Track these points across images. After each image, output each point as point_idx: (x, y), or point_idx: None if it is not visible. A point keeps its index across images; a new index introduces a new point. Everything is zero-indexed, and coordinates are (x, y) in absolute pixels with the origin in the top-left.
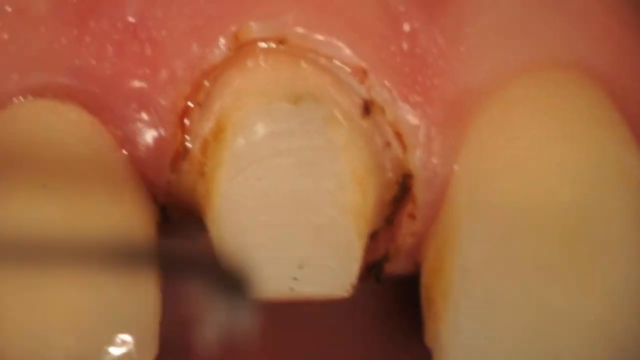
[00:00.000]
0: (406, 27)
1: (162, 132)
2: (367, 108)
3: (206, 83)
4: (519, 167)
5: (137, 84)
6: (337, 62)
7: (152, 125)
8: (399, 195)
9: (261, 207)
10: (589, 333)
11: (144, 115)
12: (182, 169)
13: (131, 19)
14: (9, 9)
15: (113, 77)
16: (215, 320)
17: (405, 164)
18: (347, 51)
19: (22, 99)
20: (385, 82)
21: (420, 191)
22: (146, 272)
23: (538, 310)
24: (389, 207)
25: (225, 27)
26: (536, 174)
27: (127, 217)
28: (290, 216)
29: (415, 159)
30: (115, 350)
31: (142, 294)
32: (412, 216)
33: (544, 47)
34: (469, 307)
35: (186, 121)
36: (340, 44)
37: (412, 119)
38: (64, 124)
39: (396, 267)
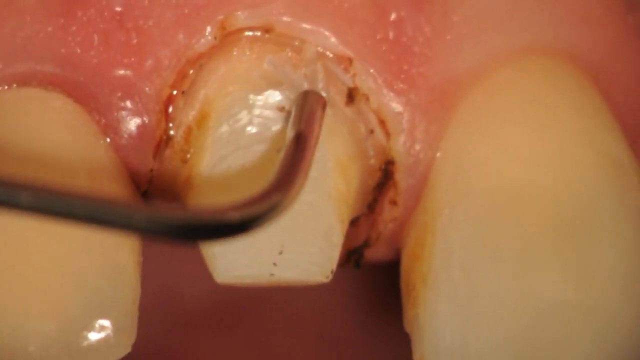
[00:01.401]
0: (393, 15)
1: (146, 120)
2: (351, 96)
3: (191, 71)
4: (502, 153)
5: (122, 72)
6: (322, 51)
7: (136, 113)
8: (381, 181)
9: (243, 193)
10: (571, 319)
11: (129, 104)
12: (165, 156)
13: (118, 8)
14: None
15: (99, 66)
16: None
17: (389, 150)
18: (333, 39)
19: (6, 87)
20: (371, 70)
21: (403, 177)
22: (125, 256)
23: (519, 295)
24: (371, 193)
25: (211, 16)
26: (519, 159)
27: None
28: None
29: (399, 146)
30: (93, 335)
31: (121, 279)
32: (394, 202)
33: (529, 35)
34: (448, 291)
35: (170, 109)
36: (326, 32)
37: (396, 106)
38: (48, 112)
39: (376, 253)
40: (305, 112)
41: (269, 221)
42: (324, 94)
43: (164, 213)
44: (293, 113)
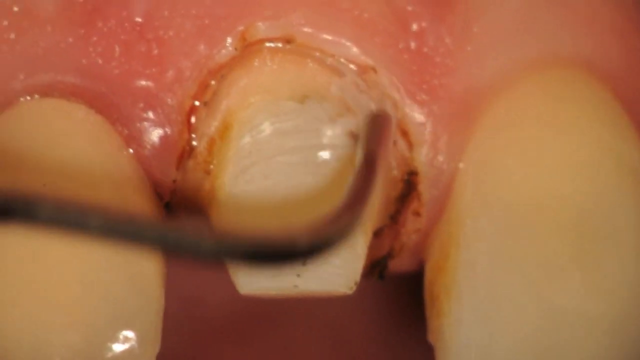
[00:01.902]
0: (414, 26)
1: (169, 130)
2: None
3: (213, 82)
4: (524, 165)
5: (144, 83)
6: (344, 61)
7: (159, 124)
8: (404, 192)
9: (266, 205)
10: (593, 330)
11: (151, 114)
12: (188, 167)
13: (138, 19)
14: (16, 9)
15: (120, 77)
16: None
17: (411, 161)
18: (355, 50)
19: (28, 98)
20: (393, 79)
21: (426, 189)
22: (150, 267)
23: (542, 306)
24: (393, 204)
25: (232, 27)
26: (541, 171)
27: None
28: (295, 213)
29: (422, 157)
30: (118, 347)
31: (146, 290)
32: (417, 213)
33: (551, 46)
34: (472, 303)
35: (192, 120)
36: (347, 43)
37: (419, 117)
38: (70, 123)
39: (400, 264)
40: (374, 133)
41: (339, 244)
42: (391, 115)
43: (233, 238)
44: (362, 135)
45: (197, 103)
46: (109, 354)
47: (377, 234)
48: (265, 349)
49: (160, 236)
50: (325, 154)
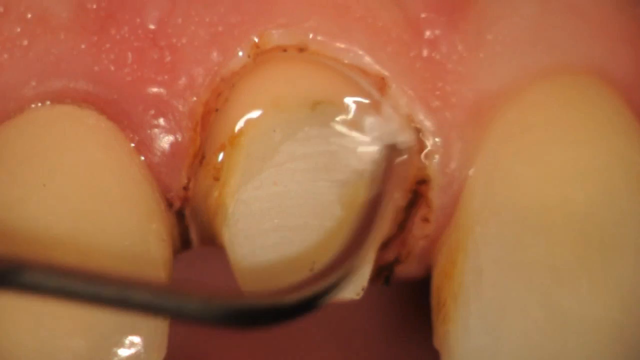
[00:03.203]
0: (427, 33)
1: (179, 137)
2: None
3: (225, 89)
4: (534, 171)
5: (155, 90)
6: (357, 70)
7: (170, 131)
8: (413, 201)
9: (274, 211)
10: (600, 336)
11: (162, 121)
12: (198, 174)
13: (151, 26)
14: (29, 15)
15: (132, 84)
16: None
17: (424, 169)
18: (367, 58)
19: (40, 104)
20: (405, 87)
21: (436, 195)
22: (156, 272)
23: (549, 312)
24: (402, 213)
25: (245, 35)
26: (550, 178)
27: (142, 222)
28: (304, 219)
29: (434, 164)
30: (124, 352)
31: None
32: (427, 220)
33: (562, 54)
34: (479, 308)
35: (203, 127)
36: (360, 51)
37: (432, 124)
38: (81, 130)
39: (407, 270)
40: (386, 170)
41: (328, 299)
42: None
43: (218, 300)
44: (373, 169)
45: (208, 110)
46: (115, 359)
47: (386, 241)
48: (270, 351)
49: (149, 303)
50: (335, 162)
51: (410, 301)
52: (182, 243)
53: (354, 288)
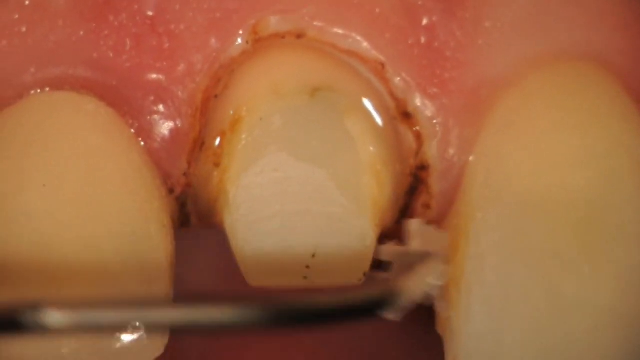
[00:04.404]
0: (424, 20)
1: (179, 123)
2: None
3: (224, 75)
4: (535, 157)
5: (155, 76)
6: (354, 56)
7: (169, 117)
8: (413, 187)
9: (275, 197)
10: (602, 321)
11: (162, 108)
12: (198, 160)
13: (150, 13)
14: (28, 2)
15: (131, 70)
16: None
17: (422, 155)
18: (365, 44)
19: (39, 91)
20: (403, 74)
21: (436, 181)
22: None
23: (550, 297)
24: (403, 199)
25: (244, 21)
26: (550, 163)
27: (142, 207)
28: (305, 205)
29: (433, 150)
30: (126, 337)
31: (154, 281)
32: (427, 206)
33: (561, 40)
34: (481, 294)
35: (203, 113)
36: (358, 37)
37: (430, 110)
38: (80, 116)
39: None
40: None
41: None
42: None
43: (255, 307)
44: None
45: (208, 96)
46: (118, 344)
47: (388, 228)
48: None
49: (178, 319)
50: (335, 147)
51: None
52: (182, 225)
53: (355, 273)
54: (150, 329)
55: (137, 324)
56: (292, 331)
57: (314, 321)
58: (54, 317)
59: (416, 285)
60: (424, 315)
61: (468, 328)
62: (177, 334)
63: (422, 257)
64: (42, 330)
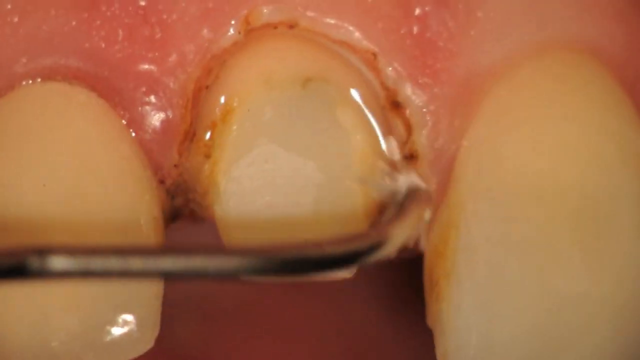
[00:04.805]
0: (417, 10)
1: (170, 114)
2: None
3: (215, 66)
4: (525, 148)
5: (146, 67)
6: (346, 46)
7: (161, 108)
8: None
9: (266, 188)
10: (595, 313)
11: (153, 98)
12: (189, 151)
13: (142, 3)
14: None
15: (123, 61)
16: None
17: (411, 144)
18: (357, 34)
19: (30, 81)
20: (395, 64)
21: (426, 172)
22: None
23: (543, 290)
24: None
25: (236, 11)
26: (543, 154)
27: (133, 198)
28: (295, 197)
29: (422, 139)
30: (117, 330)
31: None
32: None
33: (553, 30)
34: (472, 288)
35: (194, 104)
36: (350, 27)
37: (420, 99)
38: (71, 107)
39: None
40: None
41: (369, 259)
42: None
43: (257, 253)
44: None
45: (199, 87)
46: (108, 338)
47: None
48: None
49: (182, 265)
50: (326, 138)
51: (403, 281)
52: (173, 219)
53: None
54: (152, 275)
55: (139, 269)
56: (289, 278)
57: (307, 269)
58: (58, 261)
59: (406, 226)
60: (414, 310)
61: (458, 321)
62: (177, 280)
63: (411, 193)
64: (46, 275)
